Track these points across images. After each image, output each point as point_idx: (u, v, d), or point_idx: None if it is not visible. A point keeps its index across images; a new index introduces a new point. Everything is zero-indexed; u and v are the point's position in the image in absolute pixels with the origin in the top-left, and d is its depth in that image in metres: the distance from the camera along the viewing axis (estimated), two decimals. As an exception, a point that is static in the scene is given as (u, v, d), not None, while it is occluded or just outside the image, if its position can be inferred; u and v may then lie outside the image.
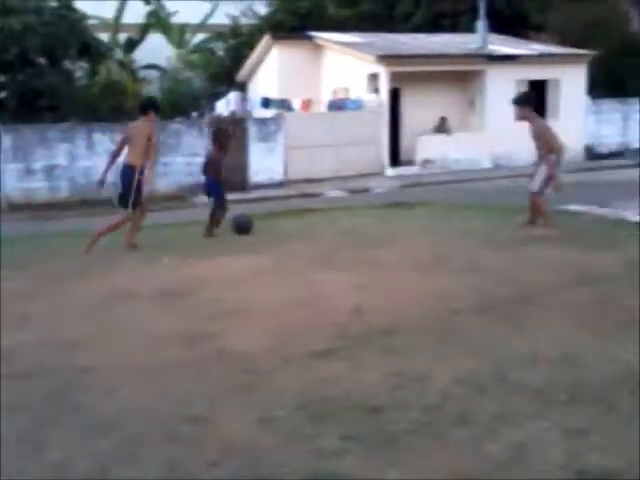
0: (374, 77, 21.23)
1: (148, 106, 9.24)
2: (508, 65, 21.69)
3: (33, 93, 20.59)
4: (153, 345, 4.94)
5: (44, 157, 16.93)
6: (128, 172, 8.96)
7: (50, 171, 16.93)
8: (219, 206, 10.27)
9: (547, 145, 8.84)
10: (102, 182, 9.04)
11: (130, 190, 8.92)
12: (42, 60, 21.68)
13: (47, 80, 20.59)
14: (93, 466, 3.21)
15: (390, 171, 20.31)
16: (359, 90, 21.76)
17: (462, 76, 22.10)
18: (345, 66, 22.46)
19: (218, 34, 31.19)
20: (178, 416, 3.71)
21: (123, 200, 9.02)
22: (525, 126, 9.16)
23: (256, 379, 4.18)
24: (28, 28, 20.18)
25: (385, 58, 20.56)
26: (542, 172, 8.84)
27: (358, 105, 20.87)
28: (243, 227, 10.06)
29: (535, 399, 3.69)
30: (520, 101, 8.99)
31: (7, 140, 16.76)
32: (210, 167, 10.34)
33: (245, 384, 4.11)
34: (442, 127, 21.51)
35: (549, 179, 8.80)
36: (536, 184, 8.87)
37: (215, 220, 10.17)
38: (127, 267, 7.89)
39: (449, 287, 6.15)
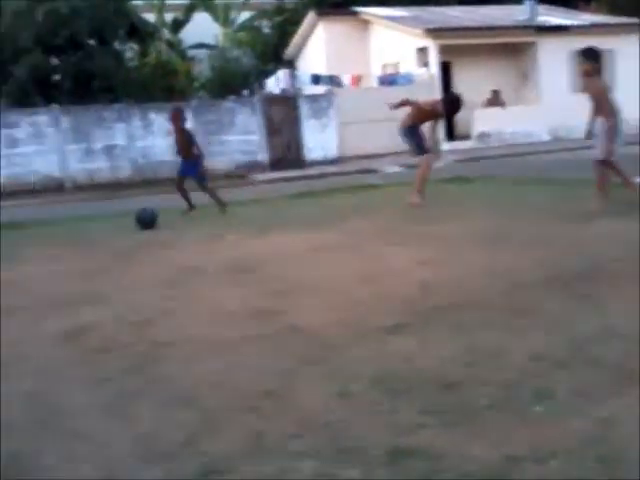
0: (423, 51, 20.99)
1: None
2: (559, 36, 21.21)
3: (86, 75, 20.87)
4: (225, 320, 5.02)
5: (103, 138, 17.22)
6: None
7: (110, 151, 17.21)
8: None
9: (604, 109, 8.37)
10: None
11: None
12: (92, 42, 21.91)
13: (98, 62, 20.85)
14: (180, 437, 3.28)
15: (446, 145, 20.10)
16: (409, 64, 21.53)
17: (513, 48, 21.70)
18: (393, 40, 22.23)
19: (263, 11, 31.11)
20: (256, 389, 3.76)
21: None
22: (583, 98, 8.76)
23: (329, 354, 4.20)
24: (76, 11, 20.42)
25: (433, 31, 20.30)
26: (602, 138, 8.47)
27: (409, 79, 20.69)
28: (147, 221, 9.95)
29: (615, 375, 3.63)
30: (587, 54, 8.53)
31: (65, 122, 17.09)
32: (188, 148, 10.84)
33: (319, 359, 4.14)
34: (494, 100, 21.18)
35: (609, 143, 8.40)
36: (599, 151, 8.52)
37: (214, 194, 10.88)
38: (191, 244, 8.02)
39: (515, 261, 6.08)
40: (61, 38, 20.90)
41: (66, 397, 3.85)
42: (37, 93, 20.77)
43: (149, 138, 17.38)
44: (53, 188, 16.92)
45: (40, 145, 17.14)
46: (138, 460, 3.09)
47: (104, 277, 6.73)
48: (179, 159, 11.16)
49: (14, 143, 17.13)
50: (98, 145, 17.17)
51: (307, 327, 4.72)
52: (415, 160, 10.80)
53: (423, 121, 10.04)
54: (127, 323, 5.11)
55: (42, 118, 17.18)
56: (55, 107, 17.48)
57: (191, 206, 10.84)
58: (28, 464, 3.12)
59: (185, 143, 10.77)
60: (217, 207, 10.78)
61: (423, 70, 20.88)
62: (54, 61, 21.97)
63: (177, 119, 10.91)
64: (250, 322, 4.93)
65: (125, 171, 17.26)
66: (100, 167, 17.21)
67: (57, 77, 21.94)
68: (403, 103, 10.06)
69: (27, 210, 13.84)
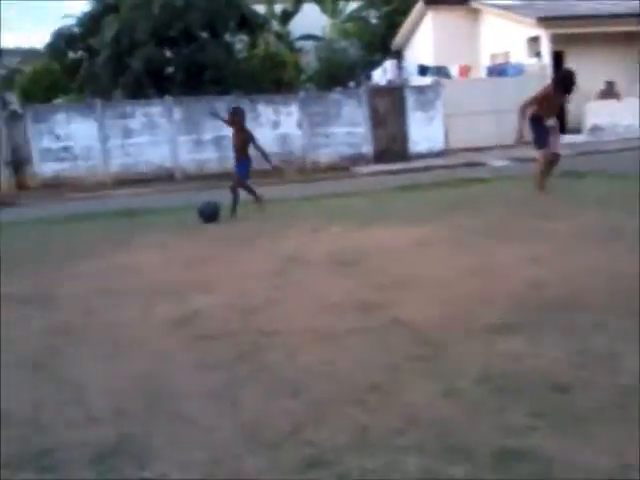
0: (535, 40, 20.41)
1: None
2: (681, 24, 20.09)
3: (197, 67, 21.39)
4: (329, 311, 5.05)
5: (212, 129, 17.65)
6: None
7: (219, 142, 17.65)
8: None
9: None
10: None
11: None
12: (204, 34, 22.42)
13: (210, 54, 21.30)
14: (286, 426, 3.34)
15: (557, 139, 19.48)
16: (519, 54, 21.00)
17: (631, 37, 20.73)
18: (503, 30, 21.73)
19: (371, 2, 31.05)
20: (361, 382, 3.77)
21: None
22: None
23: (435, 350, 4.16)
24: (190, 4, 20.93)
25: (546, 20, 19.68)
26: None
27: (519, 70, 20.17)
28: (210, 215, 9.94)
29: None
30: None
31: (177, 113, 17.63)
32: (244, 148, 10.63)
33: (424, 354, 4.11)
34: (609, 92, 20.33)
35: None
36: None
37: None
38: (295, 235, 8.12)
39: (629, 260, 5.82)
40: (175, 30, 21.50)
41: (175, 382, 3.98)
42: (150, 85, 21.49)
43: (257, 129, 17.63)
44: (164, 178, 17.50)
45: (153, 136, 17.76)
46: (244, 447, 3.16)
47: (211, 265, 6.92)
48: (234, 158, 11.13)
49: (128, 133, 17.82)
50: (208, 136, 17.64)
51: (412, 322, 4.69)
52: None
53: (548, 110, 9.73)
54: (234, 311, 5.23)
55: (155, 109, 17.80)
56: (168, 98, 18.05)
57: (257, 197, 10.78)
58: (138, 446, 3.24)
59: (243, 143, 10.63)
60: (230, 208, 10.43)
61: (534, 60, 20.31)
62: (167, 53, 22.61)
63: (239, 119, 10.75)
64: (354, 314, 4.95)
65: (232, 162, 17.58)
66: (209, 158, 17.67)
67: (170, 69, 22.59)
68: (527, 105, 9.79)
69: (139, 199, 14.37)
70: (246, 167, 10.63)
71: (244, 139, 10.60)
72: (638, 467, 2.79)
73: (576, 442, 3.01)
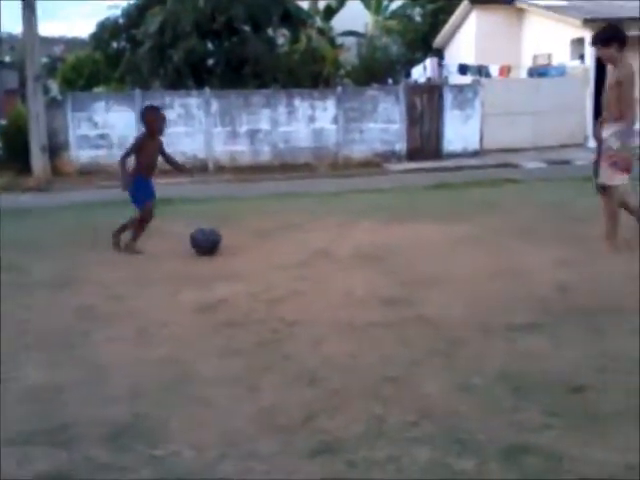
0: (578, 42, 20.14)
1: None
2: None
3: (238, 60, 21.49)
4: (353, 305, 5.10)
5: (248, 122, 17.77)
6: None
7: (253, 135, 17.76)
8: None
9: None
10: None
11: None
12: (246, 28, 22.51)
13: (251, 47, 21.37)
14: (301, 413, 3.38)
15: (593, 142, 19.23)
16: (562, 56, 20.76)
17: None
18: (547, 31, 21.48)
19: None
20: (379, 374, 3.81)
21: None
22: None
23: (454, 347, 4.19)
24: (234, -3, 21.03)
25: (592, 22, 19.36)
26: None
27: (561, 72, 19.93)
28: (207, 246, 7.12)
29: None
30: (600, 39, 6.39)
31: (215, 105, 17.75)
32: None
33: (443, 351, 4.14)
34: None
35: None
36: None
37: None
38: (325, 228, 8.17)
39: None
40: (218, 24, 21.59)
41: (196, 366, 4.05)
42: (190, 76, 21.62)
43: (293, 124, 17.78)
44: (198, 168, 17.60)
45: (189, 127, 17.89)
46: (258, 431, 3.22)
47: (239, 255, 6.98)
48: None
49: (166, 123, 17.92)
50: (243, 129, 17.74)
51: (434, 319, 4.72)
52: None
53: None
54: (259, 300, 5.29)
55: (193, 100, 17.92)
56: (206, 90, 18.17)
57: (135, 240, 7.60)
58: (153, 426, 3.32)
59: (156, 155, 7.99)
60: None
61: (577, 62, 20.06)
62: (209, 46, 22.73)
63: (156, 122, 7.91)
64: (377, 309, 4.99)
65: (265, 155, 17.75)
66: (242, 150, 17.77)
67: (211, 61, 22.72)
68: None
69: (173, 188, 14.45)
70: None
71: (157, 149, 7.97)
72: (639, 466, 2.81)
73: (587, 441, 3.03)
